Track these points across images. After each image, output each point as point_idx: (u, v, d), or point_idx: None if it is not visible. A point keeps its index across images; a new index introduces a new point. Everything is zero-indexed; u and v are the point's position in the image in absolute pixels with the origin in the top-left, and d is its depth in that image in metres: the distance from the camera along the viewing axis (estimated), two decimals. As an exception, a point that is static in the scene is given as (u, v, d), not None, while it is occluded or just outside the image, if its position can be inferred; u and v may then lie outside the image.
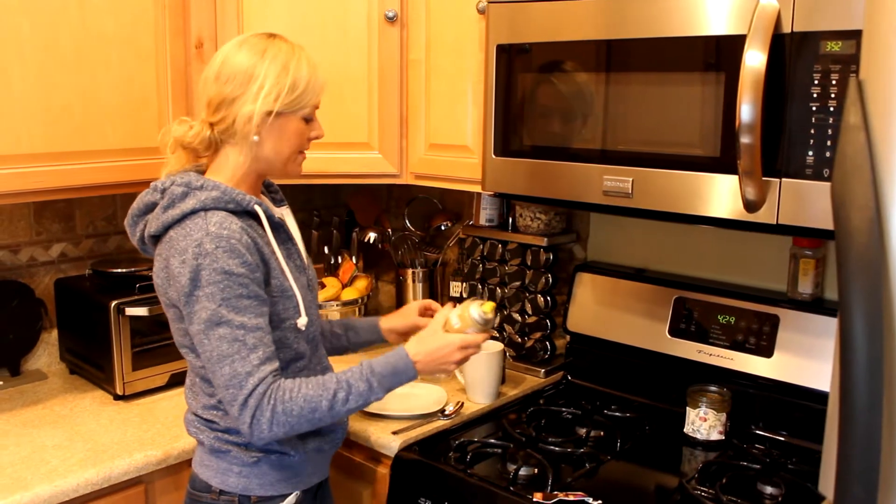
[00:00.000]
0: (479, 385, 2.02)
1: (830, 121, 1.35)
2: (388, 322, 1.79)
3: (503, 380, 2.09)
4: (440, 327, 1.55)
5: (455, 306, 1.58)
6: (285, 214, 1.62)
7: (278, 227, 1.51)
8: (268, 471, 1.51)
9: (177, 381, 2.09)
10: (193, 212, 1.40)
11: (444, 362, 1.51)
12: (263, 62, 1.44)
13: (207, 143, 1.49)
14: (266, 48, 1.46)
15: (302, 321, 1.49)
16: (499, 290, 2.29)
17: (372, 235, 2.58)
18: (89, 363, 2.12)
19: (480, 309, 1.53)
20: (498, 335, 2.30)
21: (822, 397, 1.70)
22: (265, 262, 1.43)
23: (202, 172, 1.51)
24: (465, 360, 1.54)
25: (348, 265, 2.49)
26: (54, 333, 2.25)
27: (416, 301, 1.82)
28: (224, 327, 1.36)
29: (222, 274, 1.36)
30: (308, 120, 1.50)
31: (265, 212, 1.46)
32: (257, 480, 1.51)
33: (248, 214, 1.45)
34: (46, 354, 2.24)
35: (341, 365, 1.56)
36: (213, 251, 1.36)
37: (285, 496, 1.53)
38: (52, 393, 2.07)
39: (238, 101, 1.44)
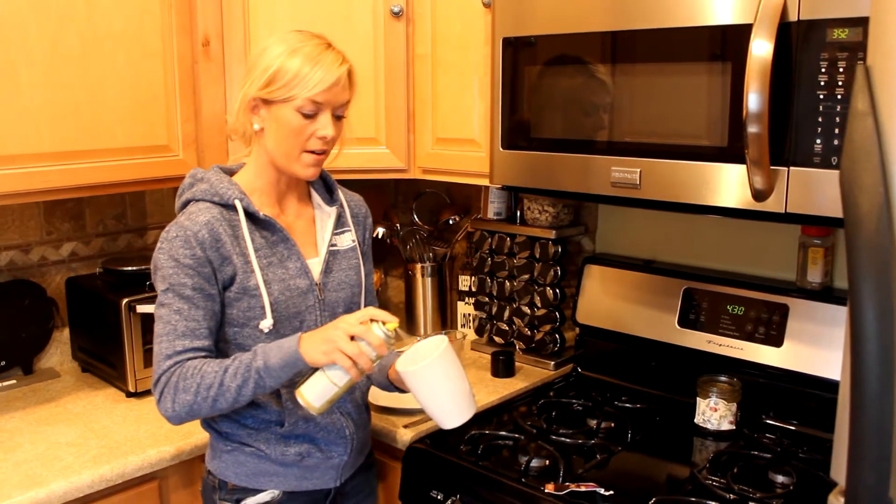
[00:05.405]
0: (444, 402, 1.46)
1: (838, 108, 1.34)
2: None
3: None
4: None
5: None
6: (329, 215, 1.59)
7: (267, 225, 1.49)
8: (244, 461, 1.52)
9: (188, 377, 2.11)
10: (189, 201, 1.48)
11: (327, 338, 1.33)
12: (266, 51, 1.46)
13: (246, 136, 1.52)
14: (278, 39, 1.47)
15: (265, 323, 1.45)
16: (508, 284, 2.29)
17: (380, 230, 2.59)
18: (101, 361, 2.13)
19: (384, 327, 1.36)
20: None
21: (832, 386, 1.70)
22: (227, 258, 1.43)
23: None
24: (349, 350, 1.32)
25: (357, 260, 2.49)
26: (66, 332, 2.26)
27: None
28: (164, 309, 1.42)
29: (173, 261, 1.41)
30: (308, 116, 1.44)
31: (245, 208, 1.46)
32: (233, 469, 1.53)
33: (236, 209, 1.46)
34: (59, 353, 2.26)
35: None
36: (172, 239, 1.42)
37: (260, 491, 1.53)
38: (64, 391, 2.09)
39: (241, 89, 1.49)
